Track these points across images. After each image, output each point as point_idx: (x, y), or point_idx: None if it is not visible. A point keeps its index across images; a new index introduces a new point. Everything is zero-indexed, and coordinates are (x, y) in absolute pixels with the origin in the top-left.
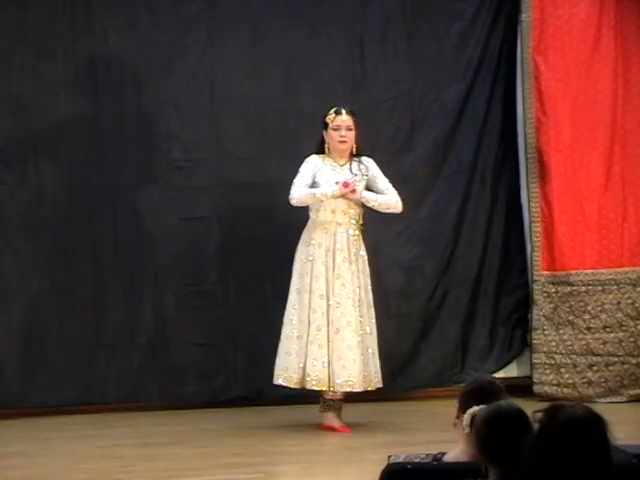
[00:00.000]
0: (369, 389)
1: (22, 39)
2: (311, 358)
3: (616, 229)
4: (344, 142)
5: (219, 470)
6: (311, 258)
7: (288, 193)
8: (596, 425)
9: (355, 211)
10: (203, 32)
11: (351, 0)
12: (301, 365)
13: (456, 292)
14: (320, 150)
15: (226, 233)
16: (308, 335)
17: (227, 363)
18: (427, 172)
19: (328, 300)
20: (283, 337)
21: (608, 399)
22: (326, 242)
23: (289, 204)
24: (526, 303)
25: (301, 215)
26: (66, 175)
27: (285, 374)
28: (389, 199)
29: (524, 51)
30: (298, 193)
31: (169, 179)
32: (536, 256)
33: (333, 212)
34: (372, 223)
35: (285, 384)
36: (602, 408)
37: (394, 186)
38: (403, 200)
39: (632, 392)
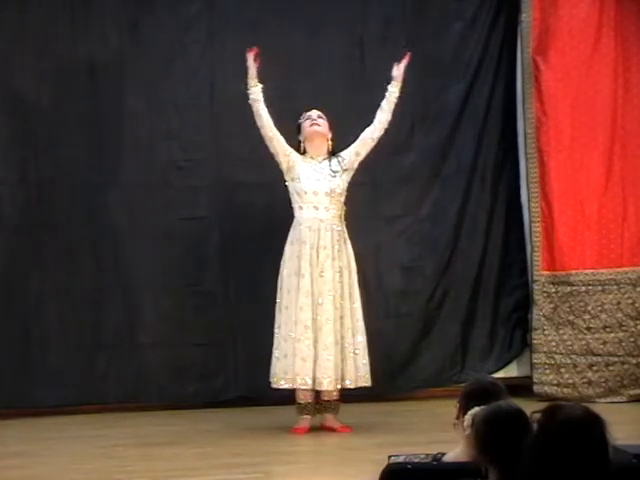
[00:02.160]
0: (341, 387)
1: (22, 39)
2: (299, 357)
3: (616, 229)
4: (316, 124)
5: (219, 470)
6: (297, 256)
7: (288, 193)
8: (594, 425)
9: (337, 207)
10: (203, 32)
11: (351, 0)
12: (291, 364)
13: (456, 292)
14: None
15: (226, 233)
16: (296, 334)
17: (227, 363)
18: (427, 172)
19: (314, 297)
20: (276, 340)
21: (608, 399)
22: (311, 240)
23: (289, 204)
24: (526, 303)
25: None
26: (66, 175)
27: (278, 376)
28: None
29: (524, 51)
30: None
31: (169, 179)
32: (536, 256)
33: (316, 208)
34: (372, 223)
35: (279, 386)
36: (602, 408)
37: (394, 186)
38: (403, 200)
39: (632, 392)
